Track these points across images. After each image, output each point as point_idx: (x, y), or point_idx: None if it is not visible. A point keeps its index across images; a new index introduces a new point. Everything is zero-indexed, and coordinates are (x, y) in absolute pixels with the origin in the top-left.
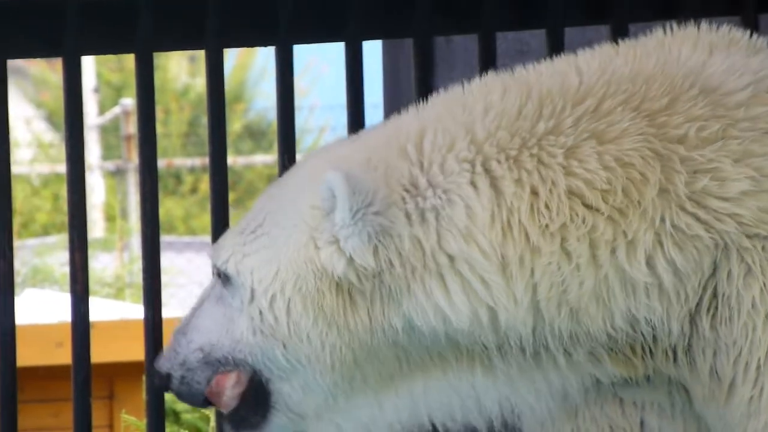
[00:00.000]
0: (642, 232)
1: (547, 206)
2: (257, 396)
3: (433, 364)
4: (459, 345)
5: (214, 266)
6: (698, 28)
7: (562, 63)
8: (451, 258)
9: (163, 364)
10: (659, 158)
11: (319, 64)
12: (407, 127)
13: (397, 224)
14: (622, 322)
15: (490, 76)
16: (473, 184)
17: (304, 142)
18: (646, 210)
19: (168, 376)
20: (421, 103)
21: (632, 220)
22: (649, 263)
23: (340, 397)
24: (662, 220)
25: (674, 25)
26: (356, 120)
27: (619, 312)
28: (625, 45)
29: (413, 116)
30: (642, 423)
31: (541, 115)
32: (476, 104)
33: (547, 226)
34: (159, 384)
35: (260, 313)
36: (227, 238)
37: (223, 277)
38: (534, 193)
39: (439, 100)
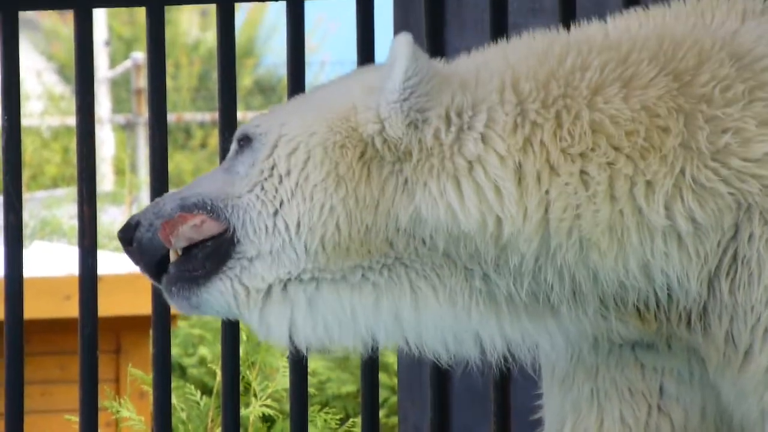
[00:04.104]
0: (661, 176)
1: (570, 134)
2: (215, 250)
3: (425, 282)
4: (454, 265)
5: (240, 135)
6: None
7: (590, 25)
8: (468, 162)
9: (135, 215)
10: (683, 113)
11: (328, 20)
12: (454, 61)
13: (433, 113)
14: (637, 269)
15: (525, 35)
16: (500, 93)
17: None
18: (666, 157)
19: (136, 225)
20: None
21: (652, 163)
22: (667, 208)
23: (310, 279)
24: (682, 171)
25: None
26: None
27: (635, 255)
28: (656, 9)
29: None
30: (661, 388)
31: (568, 53)
32: (509, 44)
33: (567, 149)
34: (120, 235)
35: (272, 166)
36: (265, 113)
37: (243, 140)
38: (558, 118)
39: (482, 49)
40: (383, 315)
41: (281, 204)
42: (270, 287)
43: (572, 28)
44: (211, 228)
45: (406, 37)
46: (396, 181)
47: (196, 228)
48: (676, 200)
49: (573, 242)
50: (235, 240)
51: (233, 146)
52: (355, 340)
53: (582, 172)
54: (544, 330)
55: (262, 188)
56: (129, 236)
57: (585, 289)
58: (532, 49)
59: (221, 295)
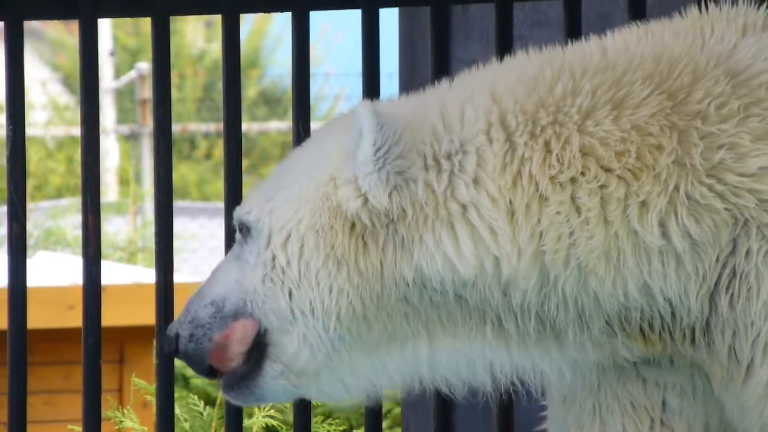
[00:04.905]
0: (655, 195)
1: (559, 160)
2: (256, 347)
3: (441, 327)
4: (467, 305)
5: (237, 221)
6: (735, 7)
7: (588, 42)
8: (461, 206)
9: (173, 326)
10: (677, 130)
11: (333, 31)
12: (438, 91)
13: (414, 169)
14: (637, 291)
15: (519, 54)
16: (487, 133)
17: (318, 110)
18: (659, 175)
19: (176, 337)
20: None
21: (644, 183)
22: (662, 228)
23: (342, 353)
24: (676, 188)
25: (710, 4)
26: (372, 89)
27: (633, 278)
28: (656, 24)
29: (447, 83)
30: (664, 403)
31: (560, 78)
32: (500, 69)
33: (557, 176)
34: (167, 350)
35: (273, 257)
36: (253, 192)
37: (244, 230)
38: (547, 147)
39: (472, 72)
40: (405, 363)
41: (290, 293)
42: (315, 367)
43: (571, 44)
44: (251, 330)
45: (367, 106)
46: (393, 242)
47: (243, 340)
48: (670, 218)
49: (571, 271)
50: (266, 332)
51: (237, 232)
52: (375, 384)
53: (573, 198)
54: (549, 359)
55: (271, 280)
56: (173, 349)
57: (589, 312)
58: (523, 76)
59: (275, 380)
